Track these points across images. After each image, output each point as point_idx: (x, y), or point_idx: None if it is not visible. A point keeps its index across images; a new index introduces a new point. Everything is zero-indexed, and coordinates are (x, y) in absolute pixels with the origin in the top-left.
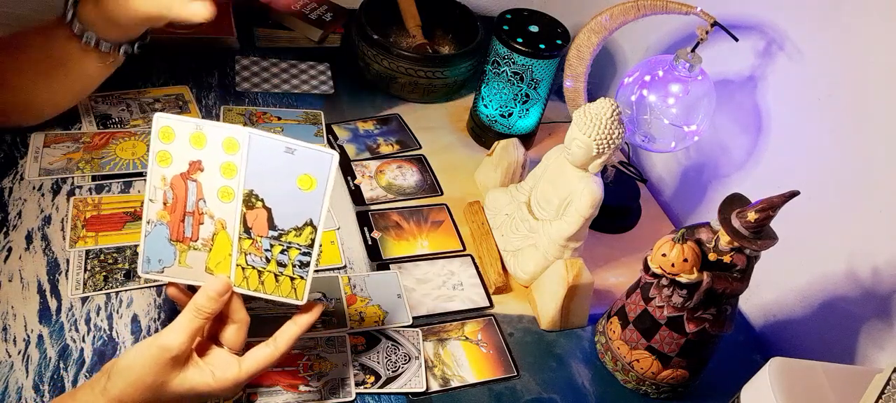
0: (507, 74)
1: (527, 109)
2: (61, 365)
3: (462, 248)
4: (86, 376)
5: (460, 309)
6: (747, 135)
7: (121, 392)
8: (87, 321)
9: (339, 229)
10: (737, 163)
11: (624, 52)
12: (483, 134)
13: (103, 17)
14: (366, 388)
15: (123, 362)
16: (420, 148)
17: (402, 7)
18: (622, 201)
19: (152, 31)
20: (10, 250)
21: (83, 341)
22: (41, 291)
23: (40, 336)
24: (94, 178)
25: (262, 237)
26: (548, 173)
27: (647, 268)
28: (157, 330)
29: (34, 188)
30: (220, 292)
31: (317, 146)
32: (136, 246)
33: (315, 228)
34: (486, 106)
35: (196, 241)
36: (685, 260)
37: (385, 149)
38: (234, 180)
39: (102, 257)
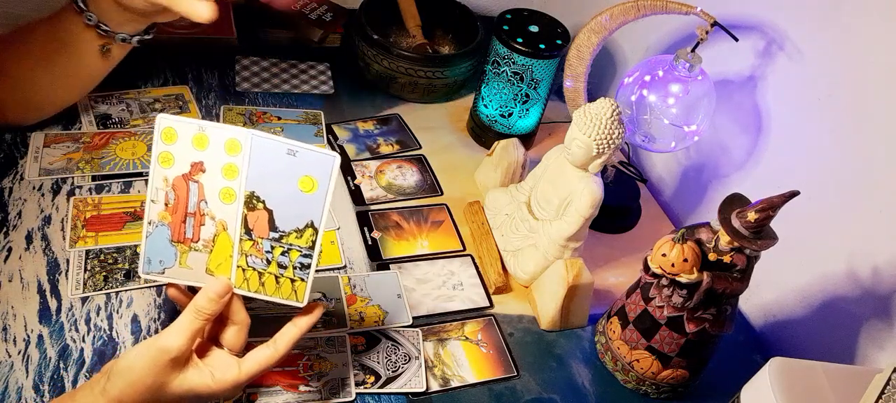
0: (507, 74)
1: (527, 109)
2: (61, 365)
3: (462, 248)
4: (86, 376)
5: (460, 309)
6: (747, 135)
7: (120, 393)
8: (87, 321)
9: (339, 229)
10: (737, 163)
11: (624, 52)
12: (483, 134)
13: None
14: (366, 388)
15: (123, 363)
16: (420, 148)
17: (402, 7)
18: (622, 201)
19: (155, 30)
20: (10, 250)
21: (83, 341)
22: (41, 291)
23: (40, 337)
24: (94, 178)
25: (262, 238)
26: (548, 173)
27: (647, 268)
28: (157, 331)
29: (34, 188)
30: (220, 293)
31: (319, 148)
32: (136, 246)
33: (316, 230)
34: (486, 106)
35: (197, 242)
36: (685, 260)
37: (385, 149)
38: (235, 181)
39: (102, 257)
